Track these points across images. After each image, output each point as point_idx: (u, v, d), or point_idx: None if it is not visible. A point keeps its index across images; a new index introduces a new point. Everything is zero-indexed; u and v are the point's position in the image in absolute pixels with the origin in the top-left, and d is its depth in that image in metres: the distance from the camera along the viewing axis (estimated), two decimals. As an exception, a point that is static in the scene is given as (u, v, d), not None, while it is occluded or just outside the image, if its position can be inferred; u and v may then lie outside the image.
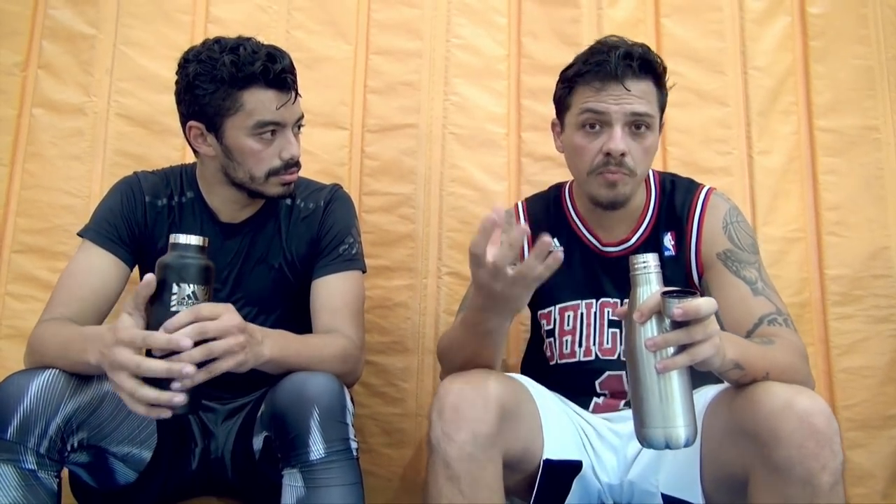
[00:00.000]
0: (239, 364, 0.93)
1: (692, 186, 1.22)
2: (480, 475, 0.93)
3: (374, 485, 1.49)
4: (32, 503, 0.93)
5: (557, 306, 1.22)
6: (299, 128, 1.20)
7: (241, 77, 1.10)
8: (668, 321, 0.81)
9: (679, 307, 0.80)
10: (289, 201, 1.26)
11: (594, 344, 1.19)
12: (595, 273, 1.21)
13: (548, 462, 1.05)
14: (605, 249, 1.22)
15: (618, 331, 1.18)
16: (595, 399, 1.18)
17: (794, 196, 1.62)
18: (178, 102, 1.17)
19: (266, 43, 1.16)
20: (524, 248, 1.14)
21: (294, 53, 1.17)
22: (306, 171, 1.26)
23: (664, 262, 0.86)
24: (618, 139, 1.09)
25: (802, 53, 1.67)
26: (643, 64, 1.10)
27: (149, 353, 0.89)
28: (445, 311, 1.57)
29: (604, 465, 1.13)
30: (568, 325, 1.21)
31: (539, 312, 1.26)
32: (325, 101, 1.63)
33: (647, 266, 0.84)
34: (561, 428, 1.11)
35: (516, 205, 1.33)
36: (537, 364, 1.28)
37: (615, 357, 1.17)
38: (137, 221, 1.21)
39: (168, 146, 1.60)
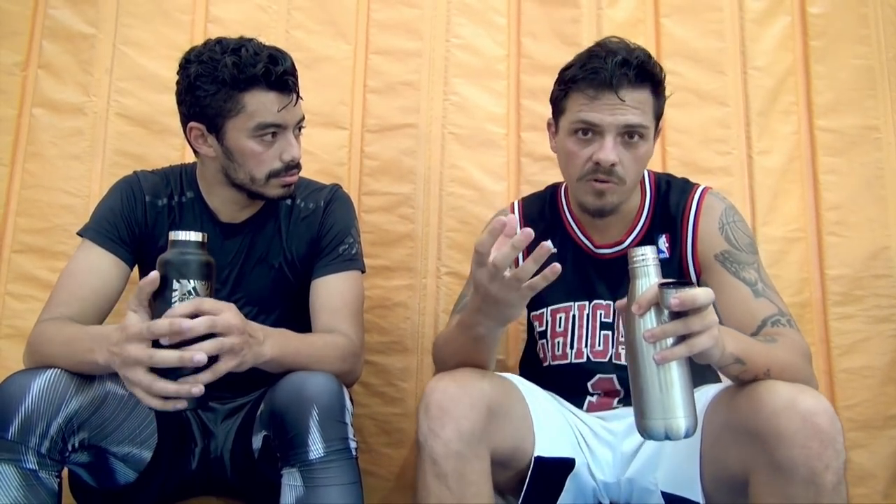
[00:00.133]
0: (239, 364, 0.93)
1: (687, 187, 1.21)
2: (467, 472, 0.94)
3: (374, 484, 1.50)
4: (33, 503, 0.93)
5: (549, 308, 1.22)
6: (300, 129, 1.20)
7: (242, 79, 1.10)
8: (666, 313, 0.82)
9: (675, 297, 0.80)
10: (289, 201, 1.27)
11: (586, 346, 1.18)
12: (588, 275, 1.20)
13: (539, 459, 1.06)
14: (598, 251, 1.21)
15: (610, 333, 1.17)
16: (589, 398, 1.18)
17: (795, 196, 1.62)
18: (179, 103, 1.17)
19: (267, 44, 1.15)
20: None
21: (294, 53, 1.17)
22: (306, 171, 1.26)
23: (660, 262, 0.86)
24: (608, 150, 1.08)
25: (803, 53, 1.66)
26: (640, 72, 1.08)
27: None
28: (445, 311, 1.57)
29: (600, 463, 1.13)
30: (560, 326, 1.21)
31: (532, 314, 1.26)
32: (324, 101, 1.62)
33: (646, 259, 0.84)
34: (554, 426, 1.11)
35: (512, 205, 1.32)
36: (532, 365, 1.28)
37: (607, 359, 1.17)
38: (137, 221, 1.22)
39: (168, 146, 1.60)
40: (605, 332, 1.17)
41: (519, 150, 1.65)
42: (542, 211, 1.28)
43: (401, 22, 1.68)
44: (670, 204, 1.19)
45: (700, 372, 0.93)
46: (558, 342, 1.21)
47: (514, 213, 1.29)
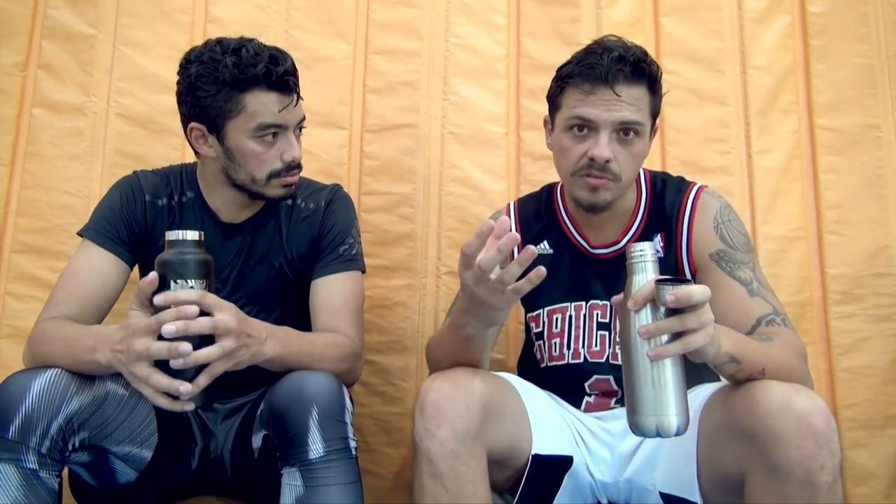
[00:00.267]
0: (235, 365, 0.94)
1: (682, 185, 1.20)
2: (463, 471, 0.94)
3: (374, 484, 1.50)
4: (33, 503, 0.94)
5: (546, 309, 1.22)
6: (301, 130, 1.20)
7: (243, 79, 1.10)
8: (662, 309, 0.81)
9: (671, 294, 0.80)
10: (289, 201, 1.27)
11: (583, 346, 1.18)
12: (584, 275, 1.20)
13: (537, 457, 1.06)
14: (594, 251, 1.21)
15: (607, 333, 1.17)
16: (586, 398, 1.18)
17: (795, 195, 1.61)
18: (180, 103, 1.17)
19: (267, 44, 1.15)
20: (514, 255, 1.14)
21: (293, 53, 1.17)
22: (305, 171, 1.26)
23: (658, 259, 0.85)
24: (603, 146, 1.08)
25: (803, 52, 1.66)
26: (636, 69, 1.08)
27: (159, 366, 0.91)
28: (444, 311, 1.57)
29: (598, 463, 1.13)
30: (556, 327, 1.21)
31: (528, 315, 1.25)
32: (324, 101, 1.63)
33: (644, 254, 0.84)
34: (551, 424, 1.11)
35: (508, 205, 1.32)
36: (529, 367, 1.28)
37: (603, 360, 1.17)
38: (137, 220, 1.22)
39: (167, 146, 1.61)
40: (602, 332, 1.17)
41: (519, 149, 1.65)
42: (537, 211, 1.27)
43: (400, 22, 1.68)
44: (666, 203, 1.18)
45: (698, 370, 0.93)
46: (555, 343, 1.21)
47: (509, 214, 1.29)
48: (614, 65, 1.06)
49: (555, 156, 1.18)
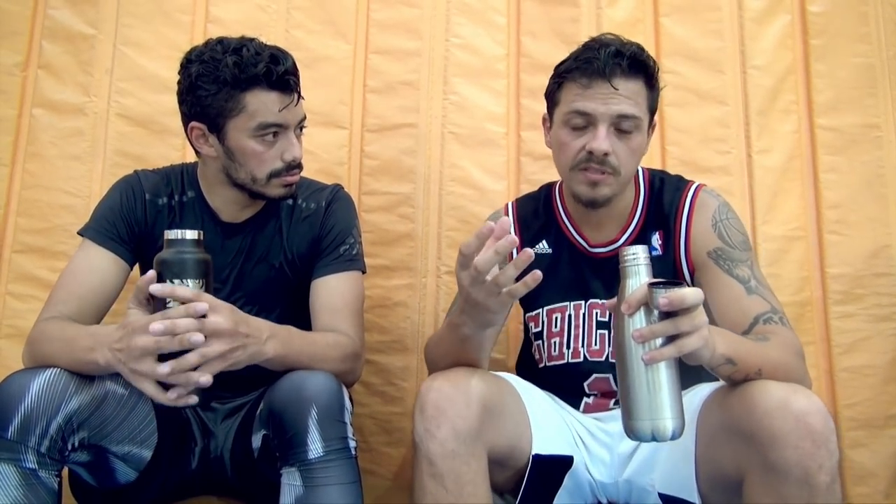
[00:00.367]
0: (231, 365, 0.95)
1: (681, 184, 1.20)
2: (464, 471, 0.94)
3: (374, 483, 1.50)
4: (33, 502, 0.94)
5: (545, 308, 1.22)
6: (301, 129, 1.20)
7: (243, 78, 1.10)
8: (655, 313, 0.81)
9: (664, 297, 0.79)
10: (290, 201, 1.27)
11: (582, 345, 1.18)
12: (583, 274, 1.20)
13: (537, 457, 1.06)
14: (593, 250, 1.21)
15: (606, 332, 1.17)
16: (585, 399, 1.18)
17: (795, 194, 1.61)
18: (181, 103, 1.17)
19: (268, 43, 1.15)
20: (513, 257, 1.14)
21: (293, 53, 1.17)
22: (305, 171, 1.26)
23: (651, 262, 0.85)
24: (601, 139, 1.08)
25: (803, 52, 1.66)
26: (633, 63, 1.08)
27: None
28: (444, 310, 1.57)
29: (597, 464, 1.13)
30: (556, 326, 1.20)
31: (527, 315, 1.25)
32: (324, 101, 1.62)
33: (637, 258, 0.84)
34: (551, 424, 1.11)
35: (506, 206, 1.32)
36: (528, 367, 1.28)
37: (603, 358, 1.17)
38: (137, 220, 1.22)
39: (168, 146, 1.61)
40: (602, 331, 1.17)
41: (519, 149, 1.65)
42: (536, 210, 1.27)
43: (400, 21, 1.68)
44: (664, 201, 1.18)
45: (696, 370, 0.93)
46: (554, 342, 1.20)
47: (507, 214, 1.29)
48: (611, 59, 1.07)
49: (553, 152, 1.18)
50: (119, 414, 1.03)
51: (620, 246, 1.18)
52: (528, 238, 1.24)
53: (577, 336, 1.19)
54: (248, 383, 1.20)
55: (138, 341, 0.90)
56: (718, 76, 1.64)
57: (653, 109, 1.14)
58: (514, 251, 0.90)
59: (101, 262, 1.16)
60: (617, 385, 1.15)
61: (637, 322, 0.82)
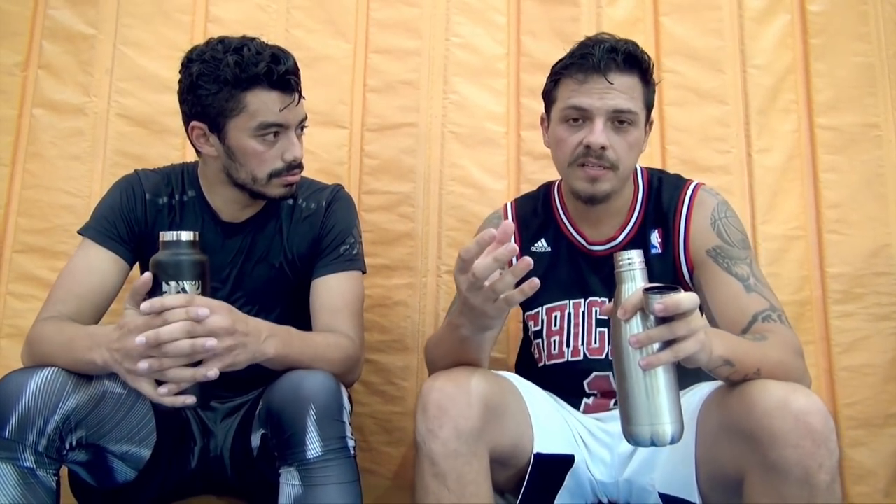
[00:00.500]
0: (228, 366, 0.94)
1: (680, 182, 1.20)
2: (466, 471, 0.94)
3: (374, 483, 1.50)
4: (31, 502, 0.94)
5: (545, 307, 1.21)
6: (302, 129, 1.20)
7: (244, 78, 1.10)
8: (652, 318, 0.81)
9: (660, 302, 0.80)
10: (290, 201, 1.27)
11: (582, 344, 1.18)
12: (582, 272, 1.20)
13: (539, 456, 1.06)
14: (592, 248, 1.21)
15: (606, 330, 1.17)
16: (585, 399, 1.18)
17: (795, 194, 1.61)
18: (181, 102, 1.17)
19: (269, 43, 1.15)
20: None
21: (293, 52, 1.17)
22: (305, 170, 1.26)
23: (651, 260, 0.85)
24: (598, 132, 1.08)
25: (802, 51, 1.66)
26: (628, 58, 1.09)
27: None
28: (445, 310, 1.57)
29: (597, 463, 1.13)
30: (555, 325, 1.20)
31: (527, 314, 1.25)
32: (324, 100, 1.62)
33: (632, 263, 0.84)
34: (552, 423, 1.11)
35: (505, 205, 1.32)
36: (527, 366, 1.28)
37: (603, 356, 1.17)
38: (137, 219, 1.22)
39: (168, 146, 1.61)
40: (602, 329, 1.17)
41: (519, 148, 1.65)
42: (535, 210, 1.27)
43: (400, 21, 1.68)
44: (663, 199, 1.18)
45: (694, 371, 0.92)
46: (554, 341, 1.20)
47: (506, 213, 1.29)
48: (606, 54, 1.08)
49: (552, 150, 1.19)
50: (117, 413, 1.03)
51: (620, 243, 1.18)
52: (527, 237, 1.24)
53: (576, 334, 1.19)
54: (247, 383, 1.20)
55: (133, 342, 0.90)
56: (718, 75, 1.64)
57: (649, 105, 1.15)
58: (514, 258, 0.90)
59: (100, 262, 1.16)
60: (615, 386, 1.15)
61: (633, 327, 0.82)
